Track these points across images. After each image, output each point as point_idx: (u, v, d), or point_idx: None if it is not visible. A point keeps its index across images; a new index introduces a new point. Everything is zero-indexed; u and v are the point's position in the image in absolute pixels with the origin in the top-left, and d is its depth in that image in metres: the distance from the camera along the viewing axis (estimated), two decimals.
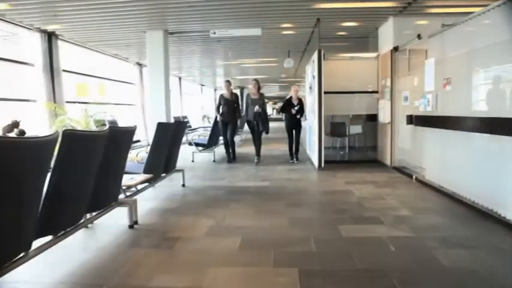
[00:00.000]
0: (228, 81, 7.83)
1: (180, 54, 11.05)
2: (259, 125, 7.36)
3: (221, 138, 8.34)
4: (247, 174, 6.59)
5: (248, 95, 7.62)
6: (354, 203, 4.47)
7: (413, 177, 5.72)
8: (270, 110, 56.21)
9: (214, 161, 8.26)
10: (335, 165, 7.28)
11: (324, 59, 6.70)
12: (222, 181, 6.03)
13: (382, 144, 7.27)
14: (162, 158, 4.68)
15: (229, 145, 7.77)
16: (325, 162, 6.94)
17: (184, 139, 9.15)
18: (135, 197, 3.96)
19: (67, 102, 8.01)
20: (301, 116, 7.59)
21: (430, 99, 5.00)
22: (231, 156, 7.90)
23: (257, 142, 7.66)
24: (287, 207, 4.34)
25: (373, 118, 7.65)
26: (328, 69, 6.82)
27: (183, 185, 5.64)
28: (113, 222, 3.75)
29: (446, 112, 4.64)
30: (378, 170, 6.77)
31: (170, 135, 4.73)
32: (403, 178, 5.97)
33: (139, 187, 4.38)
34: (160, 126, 4.44)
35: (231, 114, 7.56)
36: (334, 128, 8.95)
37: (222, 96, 7.69)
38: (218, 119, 7.76)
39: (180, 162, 6.63)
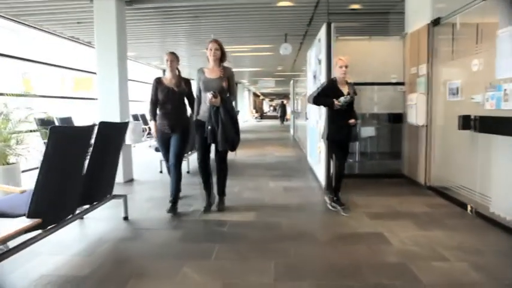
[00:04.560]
0: (173, 54, 4.04)
1: (162, 39, 9.05)
2: (221, 134, 3.63)
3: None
4: (228, 197, 4.67)
5: (201, 72, 3.84)
6: (396, 268, 2.58)
7: (469, 207, 3.85)
8: (267, 107, 53.87)
9: (188, 172, 6.35)
10: (347, 181, 5.36)
11: (334, 38, 4.81)
12: (187, 209, 4.13)
13: (411, 155, 5.39)
14: (69, 188, 2.76)
15: (173, 175, 4.03)
16: None
17: None
18: None
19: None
20: (353, 113, 3.96)
21: (511, 92, 3.12)
22: (175, 198, 4.03)
23: (219, 169, 4.03)
24: (280, 280, 2.44)
25: (397, 118, 5.75)
26: (338, 54, 4.91)
27: (126, 218, 3.75)
28: None
29: None
30: (408, 191, 4.90)
31: (85, 148, 2.82)
32: (451, 208, 4.10)
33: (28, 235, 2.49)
34: (59, 135, 2.50)
35: (176, 116, 3.99)
36: None
37: (159, 82, 4.02)
38: (152, 126, 4.14)
39: (146, 175, 4.50)
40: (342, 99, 3.79)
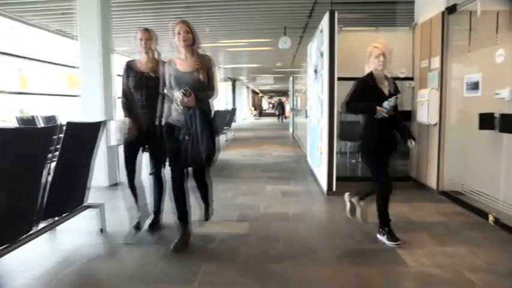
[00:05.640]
0: (146, 31, 3.17)
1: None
2: (192, 145, 2.71)
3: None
4: (220, 204, 4.24)
5: (171, 64, 2.88)
6: None
7: (490, 217, 3.41)
8: (266, 104, 53.21)
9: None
10: (351, 185, 4.92)
11: (337, 28, 4.35)
12: (173, 218, 3.68)
13: (421, 156, 4.95)
14: (24, 202, 2.32)
15: (156, 186, 3.35)
16: (337, 178, 4.60)
17: None
18: None
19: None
20: (399, 123, 3.05)
21: None
22: (157, 213, 3.43)
23: (199, 184, 3.16)
24: None
25: (404, 116, 5.28)
26: (341, 46, 4.46)
27: (102, 231, 3.31)
28: None
29: None
30: (418, 196, 4.46)
31: (43, 154, 2.37)
32: (469, 217, 3.66)
33: None
34: (7, 139, 2.05)
35: (153, 111, 3.04)
36: (345, 128, 6.60)
37: (130, 66, 3.18)
38: (127, 123, 3.14)
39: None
40: (386, 104, 2.80)
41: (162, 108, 2.96)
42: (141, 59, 3.21)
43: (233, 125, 15.13)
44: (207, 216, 3.36)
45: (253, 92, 38.57)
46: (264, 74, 20.66)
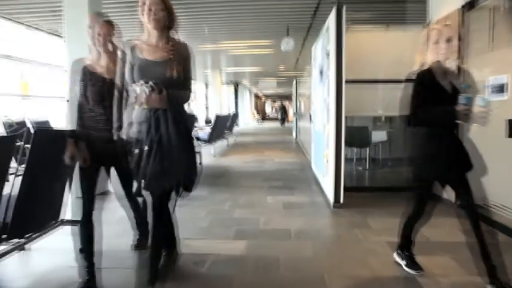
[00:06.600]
0: (107, 24, 2.38)
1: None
2: (155, 162, 1.98)
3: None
4: (216, 218, 3.85)
5: (133, 49, 2.11)
6: None
7: None
8: (269, 108, 52.83)
9: None
10: (359, 196, 4.57)
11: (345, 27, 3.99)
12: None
13: None
14: None
15: (135, 212, 2.98)
16: (344, 188, 4.19)
17: None
18: None
19: None
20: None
21: None
22: (142, 229, 2.96)
23: (156, 225, 2.17)
24: None
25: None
26: (349, 47, 4.07)
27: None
28: None
29: None
30: (435, 210, 4.03)
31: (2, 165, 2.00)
32: (495, 235, 3.24)
33: None
34: None
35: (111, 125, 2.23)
36: (353, 134, 6.22)
37: (87, 71, 2.30)
38: (71, 147, 2.33)
39: None
40: (463, 99, 2.04)
41: (119, 115, 2.14)
42: (98, 59, 2.37)
43: (235, 129, 14.78)
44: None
45: (256, 96, 38.27)
46: (267, 77, 20.32)
